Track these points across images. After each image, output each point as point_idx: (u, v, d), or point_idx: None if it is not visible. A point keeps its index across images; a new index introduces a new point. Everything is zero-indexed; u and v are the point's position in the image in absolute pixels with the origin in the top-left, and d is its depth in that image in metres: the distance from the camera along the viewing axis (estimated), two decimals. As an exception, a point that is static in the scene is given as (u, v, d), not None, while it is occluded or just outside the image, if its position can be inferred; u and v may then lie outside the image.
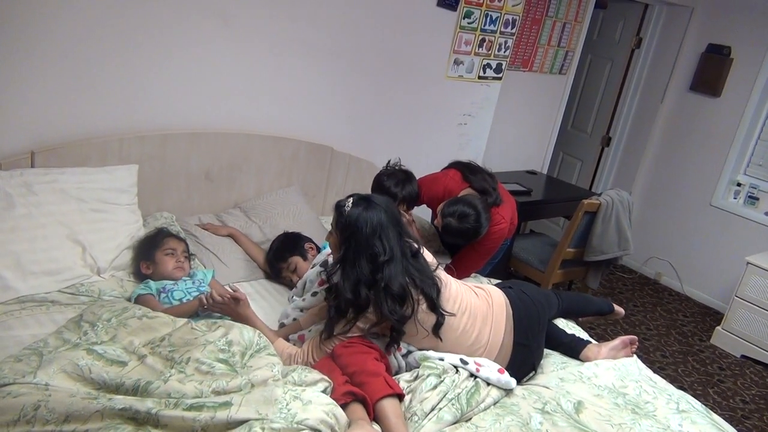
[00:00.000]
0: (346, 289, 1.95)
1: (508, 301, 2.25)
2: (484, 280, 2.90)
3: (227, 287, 2.37)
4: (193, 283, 2.37)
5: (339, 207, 2.04)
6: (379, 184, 2.89)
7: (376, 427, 1.80)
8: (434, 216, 2.86)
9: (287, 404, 1.64)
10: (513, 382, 2.07)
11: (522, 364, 2.20)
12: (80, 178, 2.40)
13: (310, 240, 2.75)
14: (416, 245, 2.12)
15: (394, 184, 2.85)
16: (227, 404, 1.61)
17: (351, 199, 2.04)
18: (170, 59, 2.71)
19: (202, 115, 2.91)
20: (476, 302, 2.20)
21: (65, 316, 2.09)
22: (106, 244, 2.36)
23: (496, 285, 2.46)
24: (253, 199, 3.07)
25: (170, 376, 1.75)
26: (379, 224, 1.98)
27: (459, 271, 2.72)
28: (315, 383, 1.80)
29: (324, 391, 1.79)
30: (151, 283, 2.30)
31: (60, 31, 2.39)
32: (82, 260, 2.28)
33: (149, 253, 2.38)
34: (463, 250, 2.91)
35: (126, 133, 2.66)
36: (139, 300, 2.21)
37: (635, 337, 2.41)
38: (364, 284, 1.95)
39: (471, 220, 2.65)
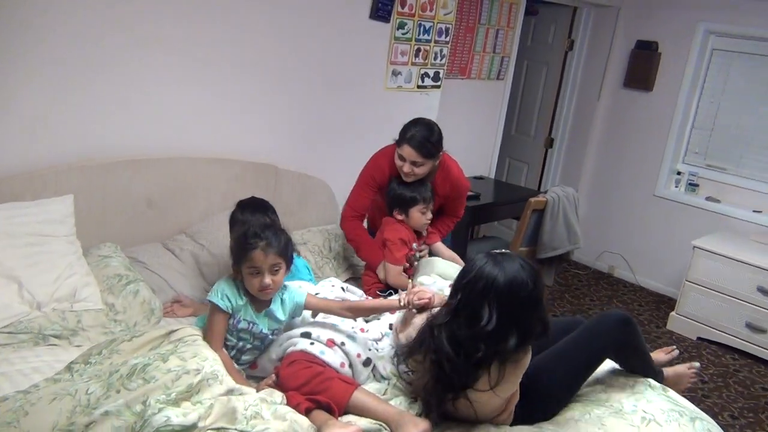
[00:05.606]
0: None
1: None
2: None
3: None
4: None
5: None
6: (391, 192, 2.89)
7: (350, 417, 1.80)
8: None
9: (248, 421, 1.65)
10: None
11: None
12: (10, 213, 2.30)
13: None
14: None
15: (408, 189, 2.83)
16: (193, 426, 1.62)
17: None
18: (104, 86, 2.65)
19: (142, 141, 2.84)
20: None
21: (3, 356, 2.01)
22: (44, 277, 2.25)
23: None
24: (197, 223, 3.01)
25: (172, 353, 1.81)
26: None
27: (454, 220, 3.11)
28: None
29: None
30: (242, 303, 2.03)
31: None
32: (19, 297, 2.17)
33: (238, 258, 2.00)
34: (450, 203, 3.06)
35: (62, 164, 2.58)
36: (212, 308, 2.00)
37: None
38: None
39: (436, 128, 2.78)
